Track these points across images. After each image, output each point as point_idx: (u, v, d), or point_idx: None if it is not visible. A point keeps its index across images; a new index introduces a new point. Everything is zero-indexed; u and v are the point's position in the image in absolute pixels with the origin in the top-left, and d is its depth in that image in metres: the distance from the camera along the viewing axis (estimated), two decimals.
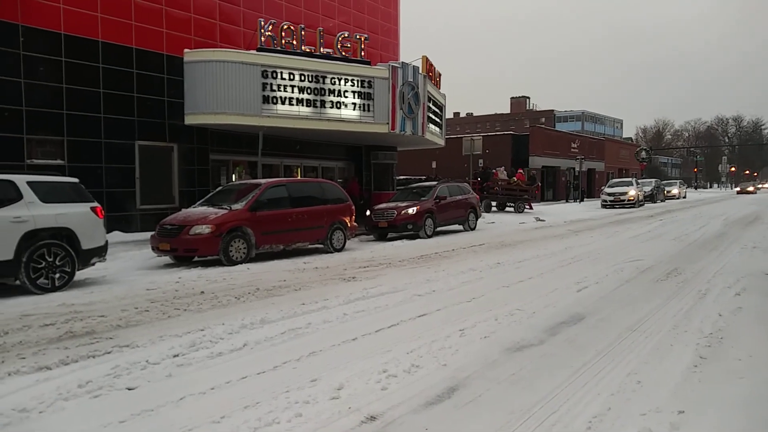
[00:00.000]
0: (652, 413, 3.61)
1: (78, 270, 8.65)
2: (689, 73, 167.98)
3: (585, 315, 6.29)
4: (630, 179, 35.30)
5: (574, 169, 43.03)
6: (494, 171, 26.73)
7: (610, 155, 54.19)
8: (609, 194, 31.95)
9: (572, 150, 44.47)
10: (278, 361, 4.71)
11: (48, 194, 8.38)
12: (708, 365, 4.54)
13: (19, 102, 13.09)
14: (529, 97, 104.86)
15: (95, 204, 9.09)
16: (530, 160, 39.33)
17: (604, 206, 31.42)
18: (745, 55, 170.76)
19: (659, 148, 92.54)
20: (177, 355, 4.88)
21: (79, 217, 8.66)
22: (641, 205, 31.88)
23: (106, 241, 9.29)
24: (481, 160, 31.52)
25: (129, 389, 4.14)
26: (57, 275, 8.24)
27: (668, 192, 43.48)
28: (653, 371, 4.42)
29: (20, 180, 8.20)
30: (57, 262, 8.24)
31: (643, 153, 50.10)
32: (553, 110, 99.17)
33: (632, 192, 31.19)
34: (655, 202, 36.86)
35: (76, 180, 9.16)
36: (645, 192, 36.45)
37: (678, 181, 52.50)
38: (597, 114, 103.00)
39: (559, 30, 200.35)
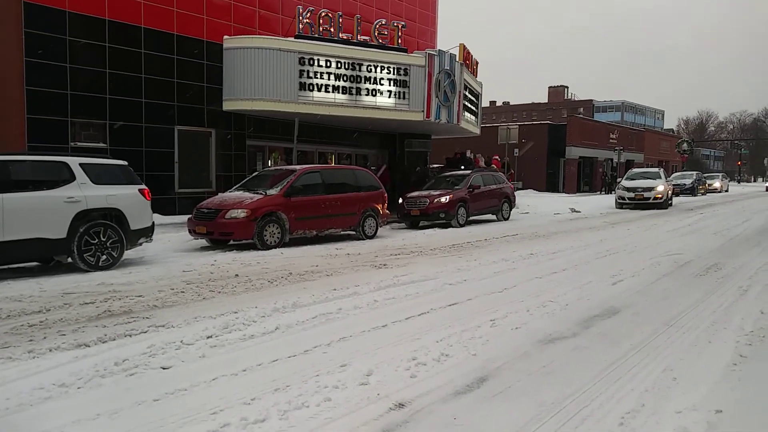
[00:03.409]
0: (688, 411, 3.52)
1: (126, 249, 8.94)
2: (738, 67, 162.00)
3: (620, 308, 6.16)
4: (657, 169, 26.07)
5: (611, 160, 42.12)
6: (475, 158, 23.67)
7: (650, 146, 52.83)
8: (628, 189, 23.27)
9: (611, 140, 43.50)
10: (309, 345, 4.75)
11: (99, 176, 8.69)
12: (748, 364, 4.39)
13: (64, 86, 13.47)
14: (567, 87, 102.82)
15: (143, 186, 9.37)
16: (567, 150, 38.66)
17: (620, 206, 23.36)
18: None
19: (702, 140, 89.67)
20: (210, 337, 4.98)
21: (128, 198, 8.95)
22: (670, 205, 23.98)
23: (153, 222, 9.56)
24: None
25: (163, 368, 4.24)
26: (104, 257, 8.52)
27: (710, 185, 42.20)
28: (690, 368, 4.31)
29: (73, 162, 8.53)
30: (108, 244, 8.55)
31: (685, 145, 48.71)
32: (592, 100, 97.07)
33: (660, 187, 22.85)
34: (695, 196, 35.67)
35: (125, 163, 9.45)
36: (684, 185, 35.01)
37: (720, 174, 50.87)
38: (638, 104, 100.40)
39: (609, 23, 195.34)
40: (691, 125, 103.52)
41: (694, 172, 40.61)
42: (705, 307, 6.22)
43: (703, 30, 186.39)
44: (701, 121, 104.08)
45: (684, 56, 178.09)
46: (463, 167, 20.53)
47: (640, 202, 22.79)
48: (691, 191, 35.75)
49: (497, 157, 25.99)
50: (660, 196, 22.65)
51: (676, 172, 45.27)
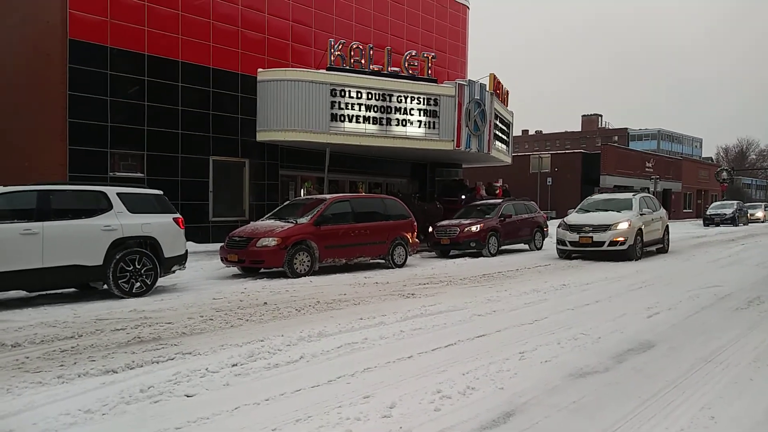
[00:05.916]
0: None
1: (160, 277, 9.12)
2: None
3: (655, 342, 5.94)
4: (629, 195, 16.28)
5: (648, 189, 41.30)
6: (477, 186, 21.29)
7: (688, 175, 51.73)
8: (573, 227, 14.47)
9: (647, 169, 42.77)
10: (333, 376, 4.71)
11: (135, 205, 8.95)
12: None
13: (104, 118, 13.96)
14: (601, 115, 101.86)
15: (177, 215, 9.60)
16: (601, 179, 38.13)
17: (566, 255, 14.67)
18: None
19: (742, 169, 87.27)
20: (235, 365, 4.98)
21: (163, 227, 9.17)
22: (660, 249, 16.39)
23: (186, 250, 9.75)
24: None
25: (187, 396, 4.25)
26: (138, 284, 8.70)
27: (752, 215, 40.89)
28: (730, 407, 4.10)
29: (111, 191, 8.84)
30: (142, 271, 8.73)
31: (724, 173, 47.51)
32: (626, 128, 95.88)
33: (623, 224, 14.00)
34: (736, 226, 34.58)
35: (160, 192, 9.72)
36: (725, 215, 33.91)
37: (763, 203, 49.29)
38: (674, 132, 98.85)
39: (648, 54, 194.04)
40: (731, 153, 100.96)
41: (735, 202, 39.50)
42: (746, 343, 5.95)
43: (739, 58, 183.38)
44: (741, 149, 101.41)
45: (722, 84, 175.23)
46: (464, 196, 19.53)
47: (586, 249, 14.18)
48: (732, 221, 34.76)
49: (497, 183, 23.40)
50: (621, 239, 13.83)
51: (716, 201, 44.11)
